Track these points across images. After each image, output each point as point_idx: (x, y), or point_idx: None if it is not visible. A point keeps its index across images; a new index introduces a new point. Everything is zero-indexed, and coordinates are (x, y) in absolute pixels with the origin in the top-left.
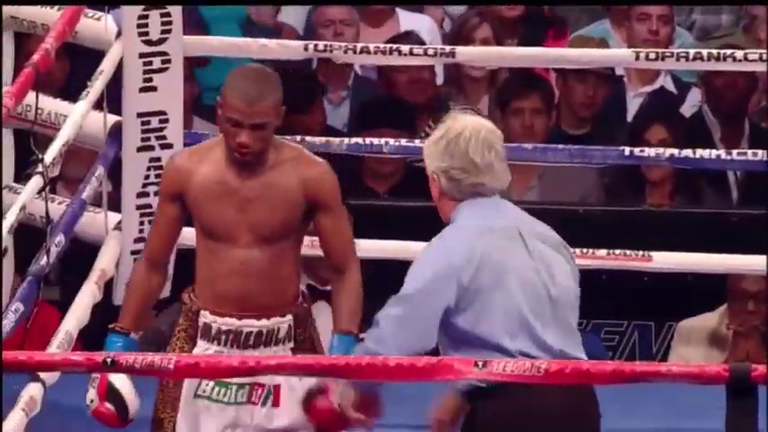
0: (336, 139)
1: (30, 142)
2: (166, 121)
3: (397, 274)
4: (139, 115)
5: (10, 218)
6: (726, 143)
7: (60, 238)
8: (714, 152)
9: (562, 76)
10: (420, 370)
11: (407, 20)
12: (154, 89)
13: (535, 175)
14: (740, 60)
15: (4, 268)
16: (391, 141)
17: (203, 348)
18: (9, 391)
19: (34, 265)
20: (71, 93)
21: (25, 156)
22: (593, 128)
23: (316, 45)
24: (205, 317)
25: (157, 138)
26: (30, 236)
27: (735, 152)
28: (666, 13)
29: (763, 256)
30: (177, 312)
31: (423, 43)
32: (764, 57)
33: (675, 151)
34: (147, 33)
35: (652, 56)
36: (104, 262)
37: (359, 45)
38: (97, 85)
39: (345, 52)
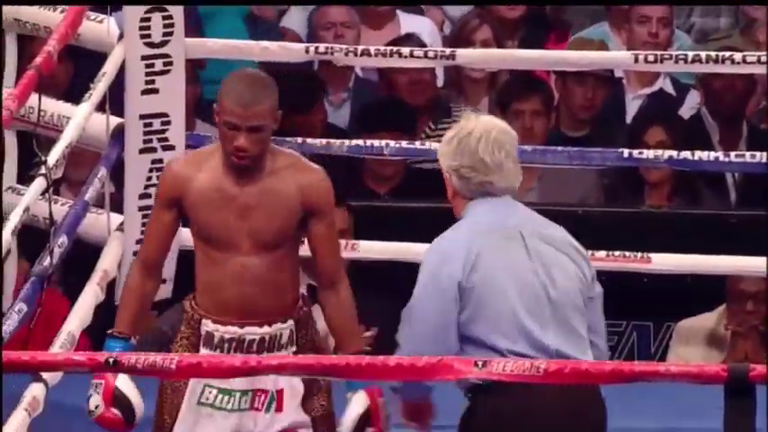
0: (337, 141)
1: (33, 144)
2: (168, 122)
3: (396, 274)
4: (142, 117)
5: (14, 219)
6: (724, 145)
7: (63, 240)
8: (713, 154)
9: (561, 79)
10: (420, 370)
11: (408, 22)
12: (156, 91)
13: (535, 176)
14: (738, 63)
15: (7, 269)
16: (392, 143)
17: None
18: (10, 391)
19: (37, 266)
20: (74, 95)
21: (28, 158)
22: (593, 130)
23: (317, 47)
24: (207, 326)
25: (159, 139)
26: (33, 237)
27: (733, 154)
28: (666, 16)
29: (762, 258)
30: (178, 313)
31: (423, 45)
32: (763, 59)
33: (674, 153)
34: (149, 36)
35: (651, 58)
36: (107, 263)
37: (360, 47)
38: (100, 88)
39: (346, 54)
